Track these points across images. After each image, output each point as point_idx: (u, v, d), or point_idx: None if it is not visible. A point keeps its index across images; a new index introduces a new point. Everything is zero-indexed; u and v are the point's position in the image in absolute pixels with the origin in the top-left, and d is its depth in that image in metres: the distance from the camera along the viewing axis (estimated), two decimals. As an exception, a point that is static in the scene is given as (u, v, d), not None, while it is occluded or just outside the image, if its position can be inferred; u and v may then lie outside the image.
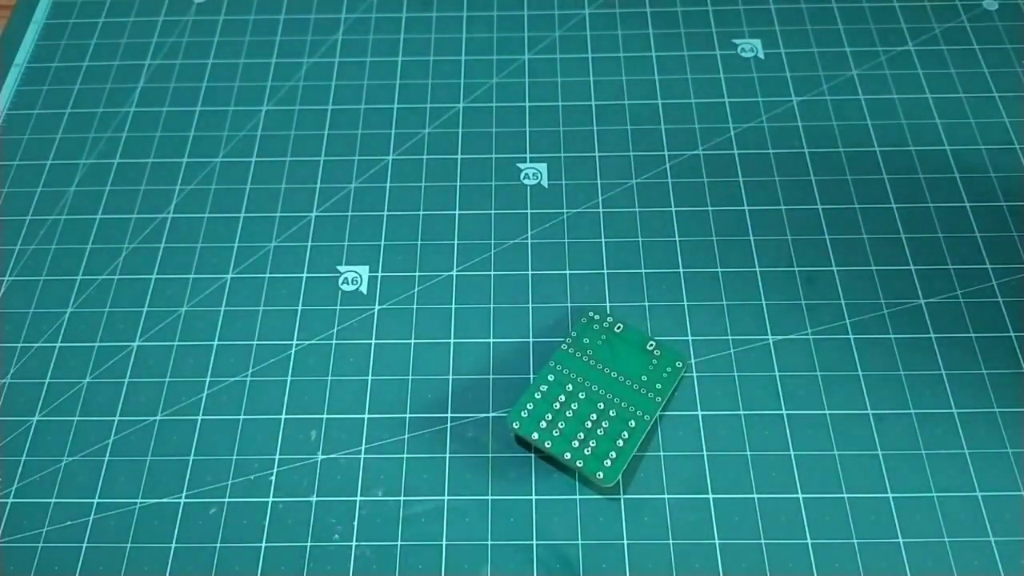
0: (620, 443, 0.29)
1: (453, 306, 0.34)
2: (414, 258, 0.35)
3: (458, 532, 0.28)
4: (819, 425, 0.30)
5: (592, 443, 0.29)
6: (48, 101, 0.41)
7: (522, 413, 0.30)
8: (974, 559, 0.27)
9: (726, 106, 0.39)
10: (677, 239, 0.35)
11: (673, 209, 0.36)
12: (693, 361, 0.32)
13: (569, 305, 0.33)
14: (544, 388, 0.30)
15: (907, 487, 0.29)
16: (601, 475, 0.28)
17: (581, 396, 0.30)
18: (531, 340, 0.32)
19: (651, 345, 0.31)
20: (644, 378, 0.30)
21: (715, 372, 0.31)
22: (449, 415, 0.31)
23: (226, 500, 0.29)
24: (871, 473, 0.29)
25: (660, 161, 0.37)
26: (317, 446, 0.30)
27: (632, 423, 0.29)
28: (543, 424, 0.29)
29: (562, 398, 0.30)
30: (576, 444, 0.29)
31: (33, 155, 0.39)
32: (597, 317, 0.32)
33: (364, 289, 0.34)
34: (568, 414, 0.30)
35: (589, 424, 0.29)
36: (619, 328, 0.32)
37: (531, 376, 0.31)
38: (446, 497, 0.29)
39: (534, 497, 0.29)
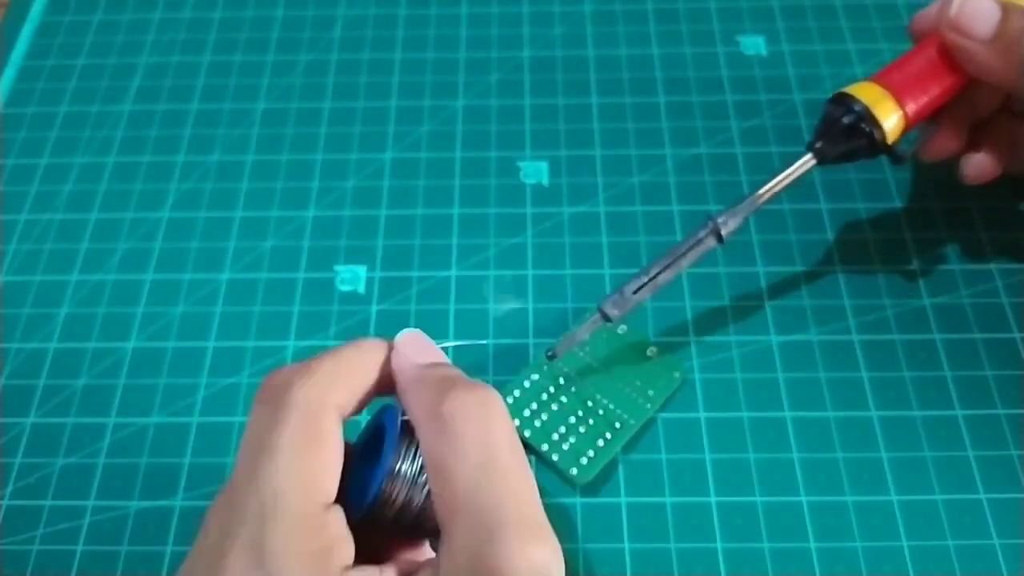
0: (601, 443, 0.29)
1: (452, 306, 0.33)
2: (412, 258, 0.35)
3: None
4: (822, 428, 0.30)
5: (572, 439, 0.29)
6: (43, 99, 0.41)
7: (507, 399, 0.29)
8: (978, 562, 0.27)
9: (728, 103, 0.39)
10: (679, 239, 0.34)
11: (675, 208, 0.36)
12: (695, 362, 0.31)
13: (569, 305, 0.33)
14: (535, 377, 0.30)
15: (911, 490, 0.29)
16: (575, 471, 0.28)
17: (572, 390, 0.30)
18: (531, 341, 0.32)
19: (652, 351, 0.31)
20: (638, 383, 0.30)
21: (717, 374, 0.31)
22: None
23: (222, 503, 0.29)
24: (874, 476, 0.29)
25: (661, 159, 0.37)
26: (314, 448, 0.30)
27: (617, 425, 0.29)
28: (526, 413, 0.29)
29: (551, 389, 0.30)
30: (556, 438, 0.29)
31: (28, 154, 0.39)
32: None
33: (361, 289, 0.34)
34: (554, 407, 0.29)
35: (573, 420, 0.29)
36: (622, 330, 0.31)
37: (531, 377, 0.31)
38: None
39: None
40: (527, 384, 0.30)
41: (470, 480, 0.19)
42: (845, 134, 0.29)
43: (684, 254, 0.28)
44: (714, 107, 0.39)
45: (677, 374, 0.30)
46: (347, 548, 0.20)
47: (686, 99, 0.39)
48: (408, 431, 0.22)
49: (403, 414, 0.22)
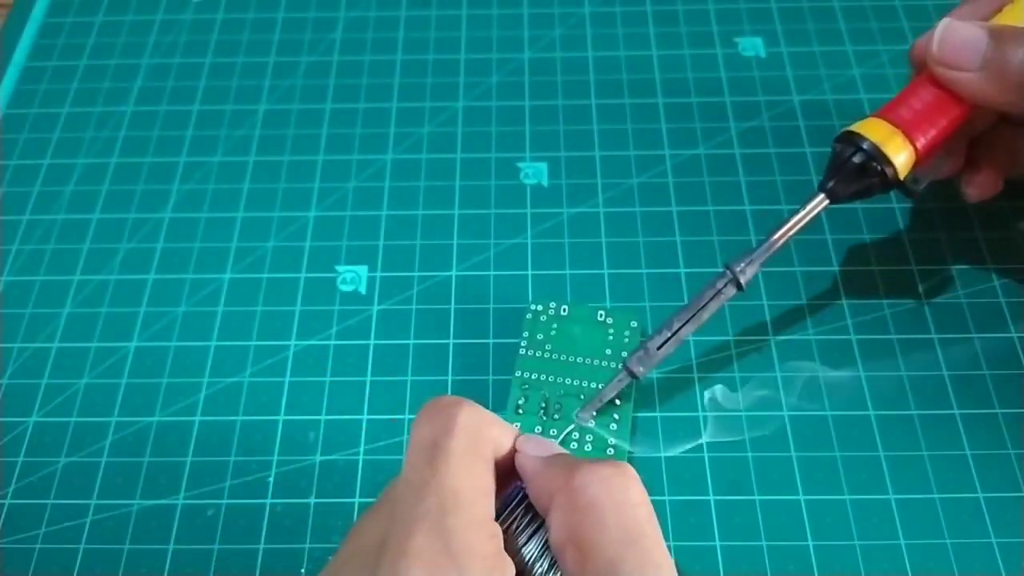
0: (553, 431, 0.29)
1: (452, 306, 0.33)
2: (413, 258, 0.35)
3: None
4: (820, 426, 0.30)
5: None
6: (46, 100, 0.41)
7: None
8: (976, 560, 0.27)
9: (727, 105, 0.39)
10: (678, 239, 0.35)
11: (674, 209, 0.36)
12: (694, 362, 0.32)
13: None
14: (521, 401, 0.30)
15: (908, 488, 0.29)
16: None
17: (560, 393, 0.30)
18: (531, 341, 0.32)
19: (601, 315, 0.31)
20: (608, 351, 0.31)
21: (716, 372, 0.31)
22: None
23: (224, 502, 0.29)
24: (872, 474, 0.29)
25: (661, 160, 0.37)
26: (315, 448, 0.30)
27: (582, 397, 0.30)
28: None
29: (543, 405, 0.30)
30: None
31: (30, 155, 0.39)
32: (540, 308, 0.32)
33: (363, 289, 0.34)
34: (556, 417, 0.30)
35: (558, 418, 0.30)
36: (564, 310, 0.32)
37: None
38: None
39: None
40: (520, 412, 0.30)
41: (614, 552, 0.19)
42: (857, 173, 0.29)
43: (705, 306, 0.29)
44: (713, 108, 0.39)
45: (634, 323, 0.31)
46: (511, 564, 0.20)
47: (685, 100, 0.39)
48: (529, 511, 0.22)
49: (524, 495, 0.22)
